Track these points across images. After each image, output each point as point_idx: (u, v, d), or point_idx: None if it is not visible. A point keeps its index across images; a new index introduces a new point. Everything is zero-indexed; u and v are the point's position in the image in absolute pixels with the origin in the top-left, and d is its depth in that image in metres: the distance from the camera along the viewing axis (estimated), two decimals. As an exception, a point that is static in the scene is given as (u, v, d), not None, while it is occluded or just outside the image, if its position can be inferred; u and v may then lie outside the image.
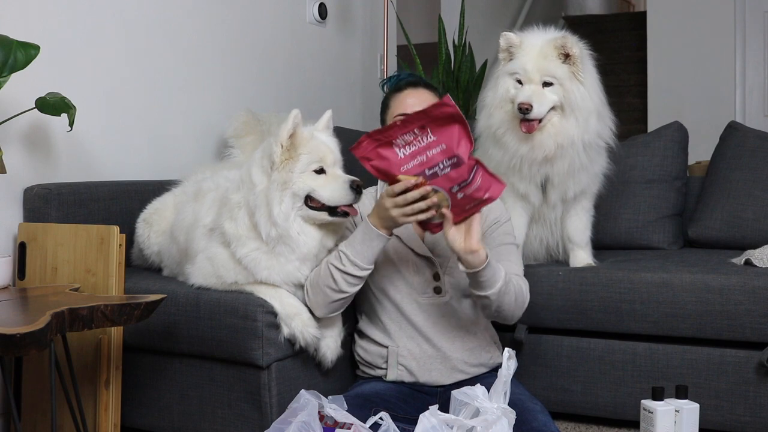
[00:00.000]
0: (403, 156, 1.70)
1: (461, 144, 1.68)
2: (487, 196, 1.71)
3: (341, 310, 1.95)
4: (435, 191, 1.69)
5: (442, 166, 1.68)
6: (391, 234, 1.82)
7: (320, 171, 1.87)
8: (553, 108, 2.17)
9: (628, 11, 7.66)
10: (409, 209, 1.72)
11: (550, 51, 2.15)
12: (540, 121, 2.17)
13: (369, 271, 1.86)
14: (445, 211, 1.72)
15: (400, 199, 1.71)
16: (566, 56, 2.15)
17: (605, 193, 2.48)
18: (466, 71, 4.08)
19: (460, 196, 1.70)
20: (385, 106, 2.07)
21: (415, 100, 1.98)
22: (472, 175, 1.68)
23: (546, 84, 2.16)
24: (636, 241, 2.69)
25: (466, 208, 1.72)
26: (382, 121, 2.06)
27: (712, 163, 2.84)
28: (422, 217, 1.72)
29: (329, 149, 1.91)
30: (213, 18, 2.96)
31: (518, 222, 2.30)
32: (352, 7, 3.85)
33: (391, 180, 1.71)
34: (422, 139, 1.68)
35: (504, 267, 1.87)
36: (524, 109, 2.14)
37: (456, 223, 1.74)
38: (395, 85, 2.06)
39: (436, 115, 1.67)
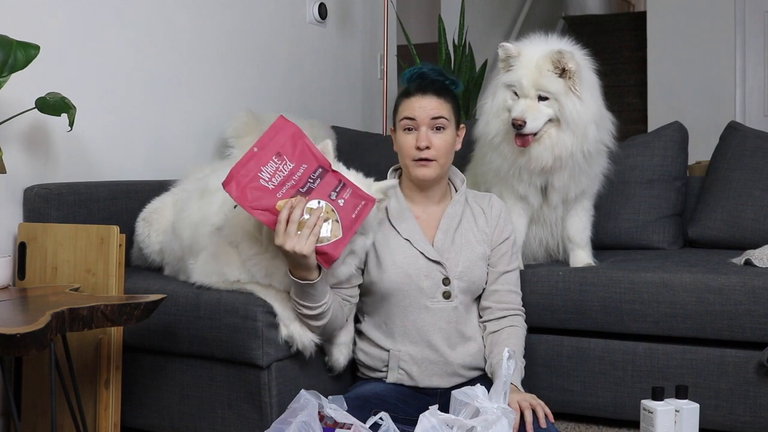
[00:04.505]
0: (273, 187, 1.71)
1: (317, 156, 1.75)
2: (364, 201, 1.75)
3: (335, 331, 1.95)
4: (318, 203, 1.71)
5: (311, 180, 1.73)
6: (317, 275, 1.77)
7: None
8: (550, 120, 2.16)
9: (628, 11, 7.67)
10: (305, 231, 1.66)
11: (546, 65, 2.12)
12: (535, 134, 2.16)
13: (324, 306, 1.83)
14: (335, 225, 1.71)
15: (291, 226, 1.66)
16: (563, 70, 2.12)
17: (605, 193, 2.48)
18: (466, 71, 4.08)
19: (341, 202, 1.73)
20: (395, 107, 2.03)
21: (422, 106, 1.95)
22: (342, 182, 1.75)
23: (542, 98, 2.15)
24: (636, 241, 2.69)
25: (352, 215, 1.73)
26: (394, 123, 2.04)
27: (712, 163, 2.84)
28: (317, 231, 1.68)
29: None
30: (213, 18, 2.96)
31: (518, 222, 2.30)
32: (352, 7, 3.85)
33: (272, 212, 1.69)
34: (284, 167, 1.72)
35: (507, 298, 2.02)
36: (517, 125, 2.13)
37: (347, 236, 1.72)
38: (405, 89, 2.02)
39: (279, 139, 1.72)
